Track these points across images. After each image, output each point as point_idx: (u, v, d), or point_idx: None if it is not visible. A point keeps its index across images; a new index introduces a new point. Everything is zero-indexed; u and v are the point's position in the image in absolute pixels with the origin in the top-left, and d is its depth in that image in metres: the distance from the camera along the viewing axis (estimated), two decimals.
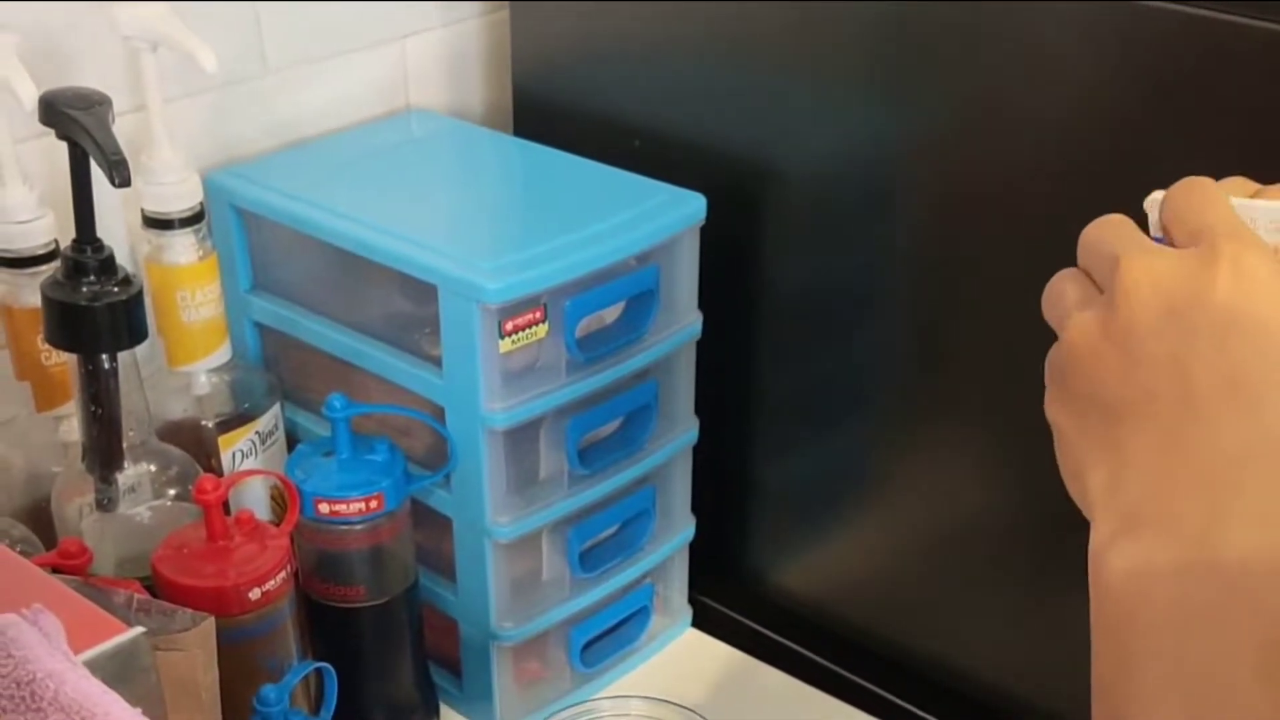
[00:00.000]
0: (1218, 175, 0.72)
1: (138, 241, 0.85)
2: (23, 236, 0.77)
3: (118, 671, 0.51)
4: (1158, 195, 0.53)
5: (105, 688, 0.48)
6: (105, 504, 0.76)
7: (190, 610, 0.65)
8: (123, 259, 0.72)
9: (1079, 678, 0.71)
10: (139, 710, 0.48)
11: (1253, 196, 0.51)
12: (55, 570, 0.68)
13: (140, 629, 0.53)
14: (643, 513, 0.91)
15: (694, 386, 0.92)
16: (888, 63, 0.83)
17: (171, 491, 0.78)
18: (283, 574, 0.75)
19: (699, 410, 0.93)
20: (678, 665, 0.96)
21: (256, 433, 0.86)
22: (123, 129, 0.71)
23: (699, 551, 0.98)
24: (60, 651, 0.49)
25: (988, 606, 0.91)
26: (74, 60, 0.83)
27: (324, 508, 0.79)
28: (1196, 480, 0.45)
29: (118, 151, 0.67)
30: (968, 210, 0.83)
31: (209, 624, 0.64)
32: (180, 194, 0.80)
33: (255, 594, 0.73)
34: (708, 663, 0.96)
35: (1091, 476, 0.48)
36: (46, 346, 0.77)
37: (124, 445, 0.74)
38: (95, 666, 0.50)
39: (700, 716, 0.73)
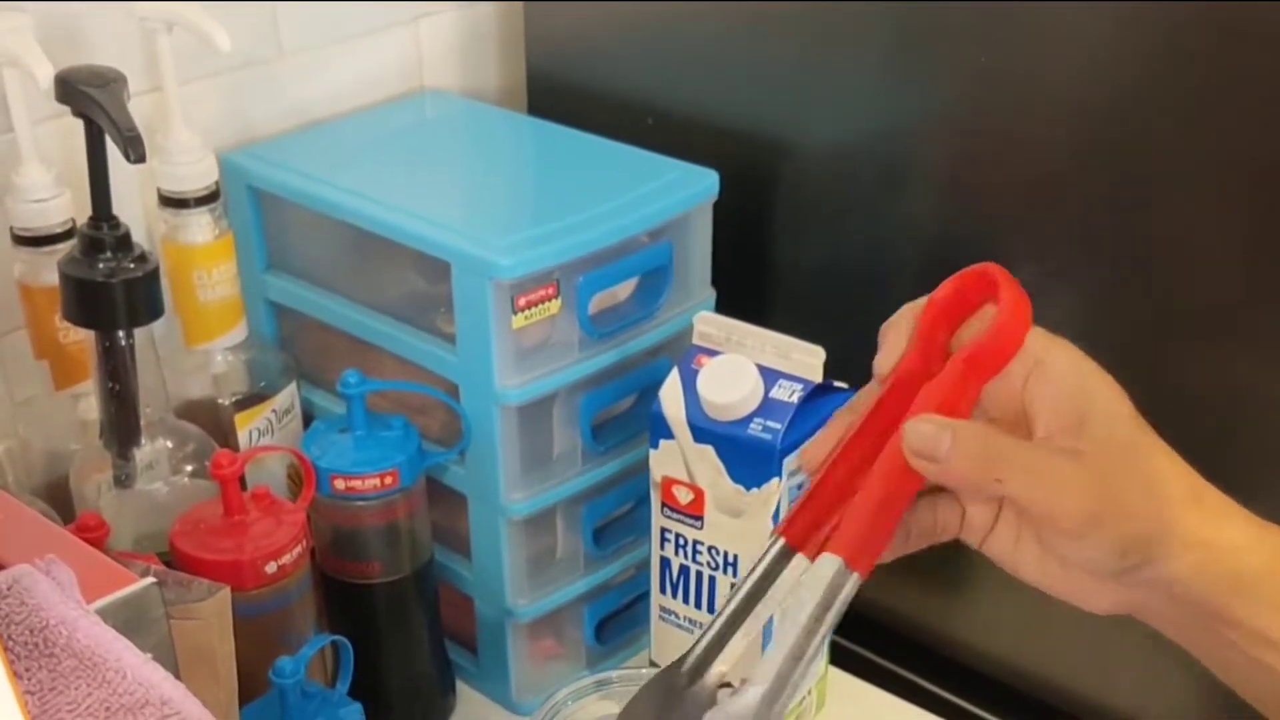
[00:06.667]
0: (1221, 155, 0.72)
1: (154, 221, 0.86)
2: (40, 215, 0.78)
3: (129, 620, 0.52)
4: None
5: (117, 634, 0.49)
6: (123, 480, 0.76)
7: (206, 581, 0.66)
8: (140, 239, 0.73)
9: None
10: (149, 655, 0.49)
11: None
12: None
13: (151, 579, 0.54)
14: None
15: None
16: (901, 40, 0.84)
17: (188, 468, 0.79)
18: (298, 549, 0.75)
19: None
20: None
21: (273, 411, 0.86)
22: (139, 110, 0.71)
23: None
24: (73, 600, 0.50)
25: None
26: (90, 42, 0.84)
27: (339, 484, 0.79)
28: None
29: (132, 127, 0.68)
30: (981, 188, 0.84)
31: (225, 594, 0.65)
32: (196, 174, 0.81)
33: (271, 568, 0.73)
34: None
35: None
36: (64, 325, 0.78)
37: (141, 422, 0.75)
38: (107, 615, 0.51)
39: None
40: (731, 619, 0.53)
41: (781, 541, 0.54)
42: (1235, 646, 0.54)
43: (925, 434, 0.51)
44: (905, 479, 0.52)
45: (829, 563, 0.51)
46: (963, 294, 0.56)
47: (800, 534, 0.53)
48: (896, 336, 0.55)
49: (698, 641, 0.53)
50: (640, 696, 0.54)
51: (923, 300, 0.56)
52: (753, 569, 0.54)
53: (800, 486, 0.76)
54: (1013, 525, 0.55)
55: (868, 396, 0.55)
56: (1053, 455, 0.52)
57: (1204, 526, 0.53)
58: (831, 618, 0.51)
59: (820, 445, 0.55)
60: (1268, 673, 0.54)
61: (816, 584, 0.50)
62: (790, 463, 0.74)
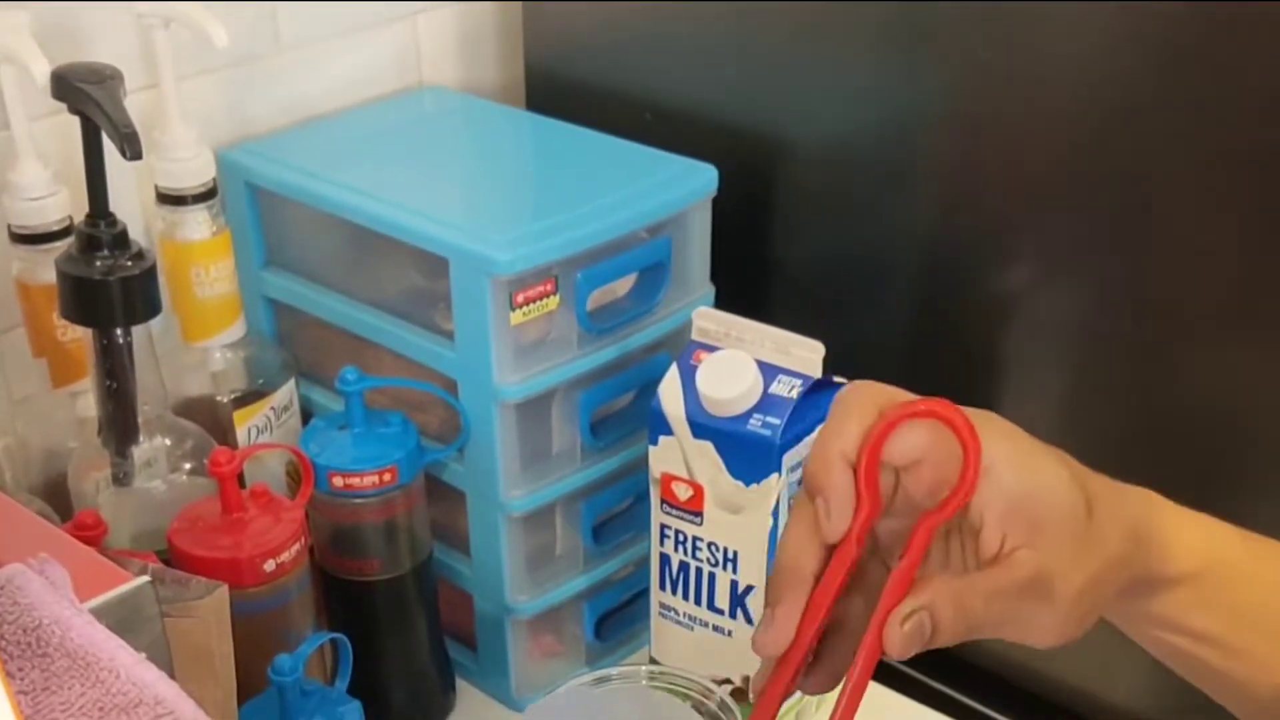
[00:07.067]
0: (1223, 151, 0.72)
1: (152, 218, 0.86)
2: (37, 213, 0.78)
3: (123, 620, 0.52)
4: None
5: (110, 634, 0.49)
6: (121, 478, 0.76)
7: (204, 579, 0.65)
8: (137, 236, 0.73)
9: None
10: (143, 655, 0.49)
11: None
12: None
13: (145, 578, 0.54)
14: None
15: None
16: (900, 35, 0.83)
17: (187, 466, 0.79)
18: (297, 546, 0.75)
19: None
20: None
21: (271, 408, 0.86)
22: (136, 106, 0.71)
23: None
24: (66, 599, 0.50)
25: None
26: (87, 38, 0.84)
27: (338, 481, 0.79)
28: None
29: (129, 124, 0.68)
30: (980, 183, 0.83)
31: (222, 592, 0.64)
32: (193, 170, 0.81)
33: (270, 566, 0.73)
34: None
35: None
36: (62, 322, 0.77)
37: (139, 420, 0.75)
38: (101, 614, 0.51)
39: (708, 684, 0.73)
40: None
41: None
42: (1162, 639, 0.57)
43: (909, 635, 0.49)
44: (873, 660, 0.50)
45: None
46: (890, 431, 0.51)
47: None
48: (842, 495, 0.50)
49: None
50: None
51: (849, 439, 0.50)
52: None
53: (800, 483, 0.76)
54: None
55: (807, 558, 0.51)
56: (1023, 601, 0.51)
57: (1141, 557, 0.55)
58: None
59: (781, 629, 0.51)
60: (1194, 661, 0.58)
61: None
62: (790, 458, 0.74)
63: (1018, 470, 0.51)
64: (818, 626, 0.51)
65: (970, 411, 0.51)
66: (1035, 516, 0.51)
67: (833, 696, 0.52)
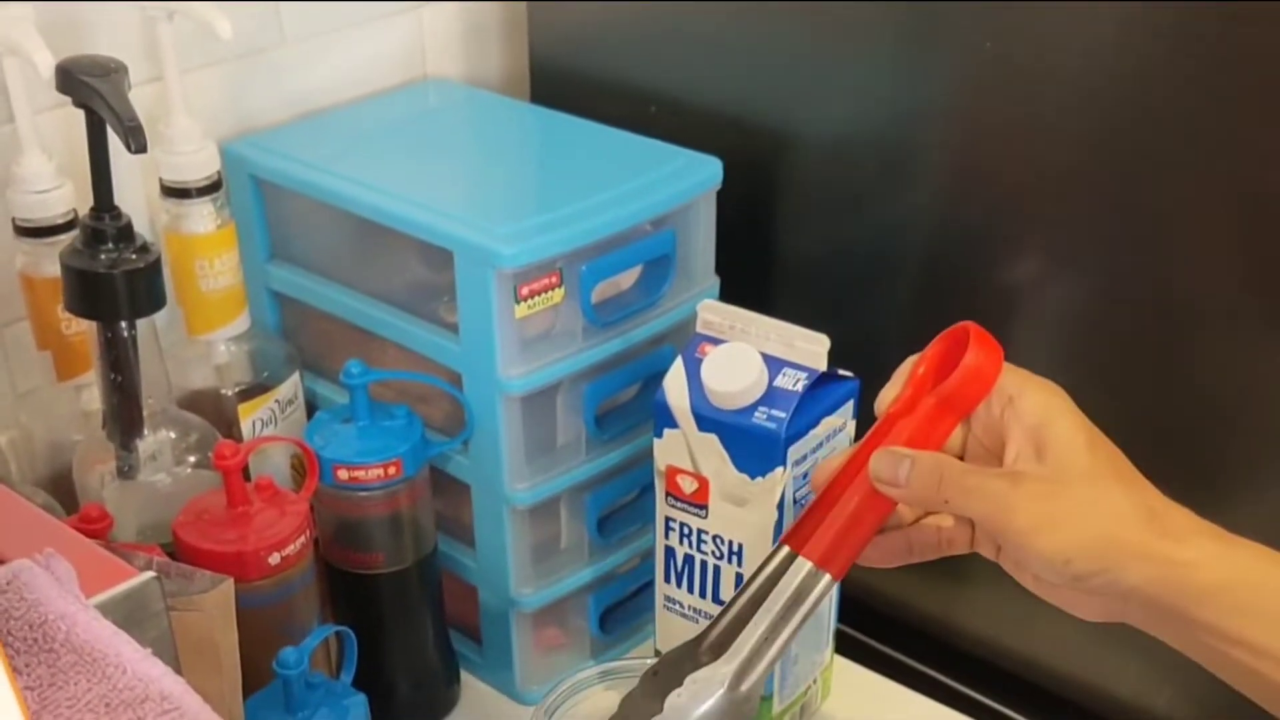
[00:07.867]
0: (1228, 144, 0.72)
1: (156, 212, 0.86)
2: (42, 206, 0.78)
3: (129, 615, 0.52)
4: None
5: (116, 629, 0.49)
6: (126, 471, 0.76)
7: (209, 572, 0.65)
8: (142, 229, 0.73)
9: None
10: (149, 650, 0.49)
11: None
12: None
13: (151, 573, 0.54)
14: None
15: None
16: (906, 28, 0.83)
17: (191, 459, 0.79)
18: (302, 539, 0.75)
19: None
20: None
21: (276, 401, 0.86)
22: (140, 99, 0.71)
23: None
24: (72, 594, 0.50)
25: None
26: (91, 30, 0.84)
27: (343, 474, 0.79)
28: None
29: (134, 118, 0.67)
30: (985, 176, 0.83)
31: (227, 585, 0.64)
32: (197, 163, 0.81)
33: (275, 559, 0.73)
34: None
35: None
36: (66, 315, 0.78)
37: (144, 413, 0.75)
38: (107, 610, 0.51)
39: None
40: (739, 615, 0.64)
41: (786, 549, 0.64)
42: (1216, 649, 0.57)
43: (888, 463, 0.60)
44: (875, 498, 0.62)
45: (800, 564, 0.63)
46: (950, 349, 0.64)
47: (802, 542, 0.64)
48: (893, 382, 0.65)
49: (709, 629, 0.64)
50: (645, 679, 0.66)
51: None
52: (758, 570, 0.64)
53: (806, 476, 0.76)
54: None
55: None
56: (992, 478, 0.60)
57: (1157, 543, 0.57)
58: (803, 611, 0.62)
59: (825, 467, 0.65)
60: (1250, 673, 0.57)
61: (791, 581, 0.63)
62: (795, 451, 0.74)
63: (1039, 404, 0.61)
64: (840, 473, 0.64)
65: (1038, 379, 0.62)
66: (1043, 440, 0.60)
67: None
